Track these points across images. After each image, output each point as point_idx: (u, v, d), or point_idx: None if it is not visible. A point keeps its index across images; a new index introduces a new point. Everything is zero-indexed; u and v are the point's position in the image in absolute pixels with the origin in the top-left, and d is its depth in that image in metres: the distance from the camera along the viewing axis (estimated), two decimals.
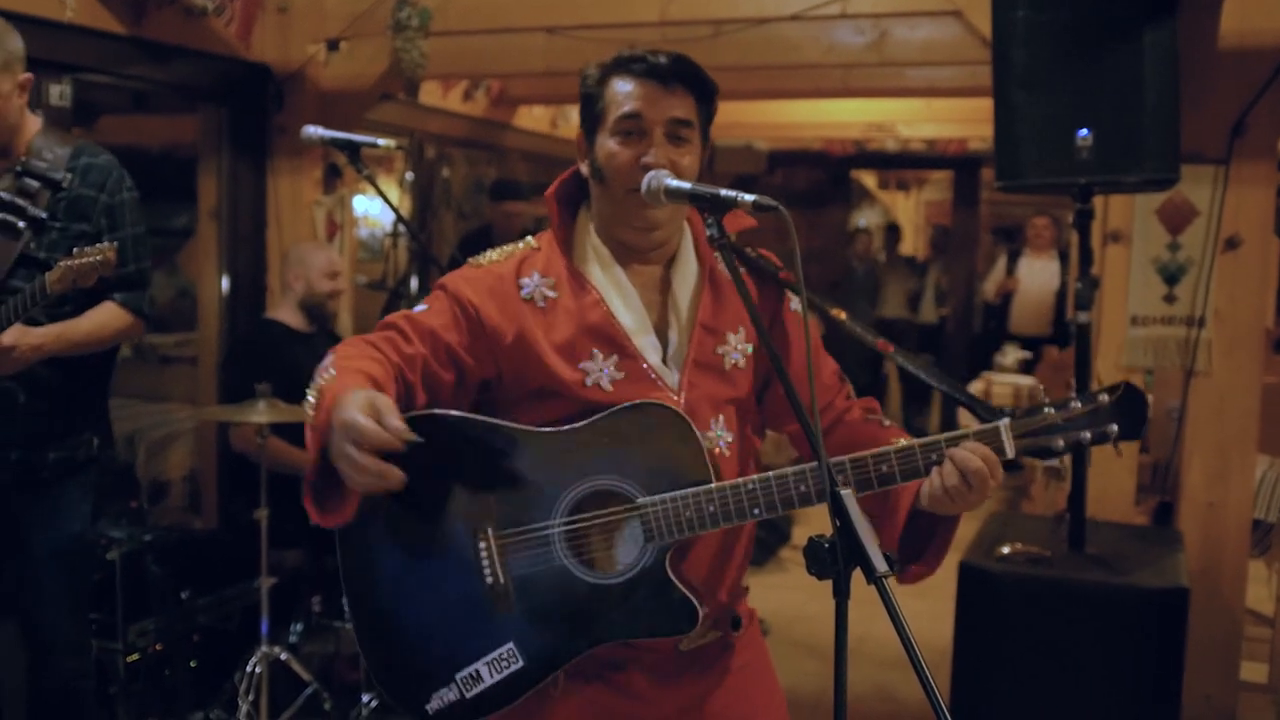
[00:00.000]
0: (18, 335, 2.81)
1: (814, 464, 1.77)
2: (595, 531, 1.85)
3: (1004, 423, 1.77)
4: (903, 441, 1.81)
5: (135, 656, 3.73)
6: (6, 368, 2.85)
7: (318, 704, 3.95)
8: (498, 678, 1.86)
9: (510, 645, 1.86)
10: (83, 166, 3.00)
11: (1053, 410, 1.78)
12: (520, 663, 1.86)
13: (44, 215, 2.93)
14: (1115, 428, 1.76)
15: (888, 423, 1.99)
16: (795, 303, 2.03)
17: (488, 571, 1.84)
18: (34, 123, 3.02)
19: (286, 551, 4.25)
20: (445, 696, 1.87)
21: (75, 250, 2.79)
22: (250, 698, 3.77)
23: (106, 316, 3.01)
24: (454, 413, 1.88)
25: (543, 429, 1.86)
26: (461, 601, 1.86)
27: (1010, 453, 1.77)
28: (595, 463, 1.84)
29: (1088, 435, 1.77)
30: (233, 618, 4.19)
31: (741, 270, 2.00)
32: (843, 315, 2.08)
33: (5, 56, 2.86)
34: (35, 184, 2.93)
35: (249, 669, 3.80)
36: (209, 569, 4.23)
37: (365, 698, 3.89)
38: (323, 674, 4.16)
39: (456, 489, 1.86)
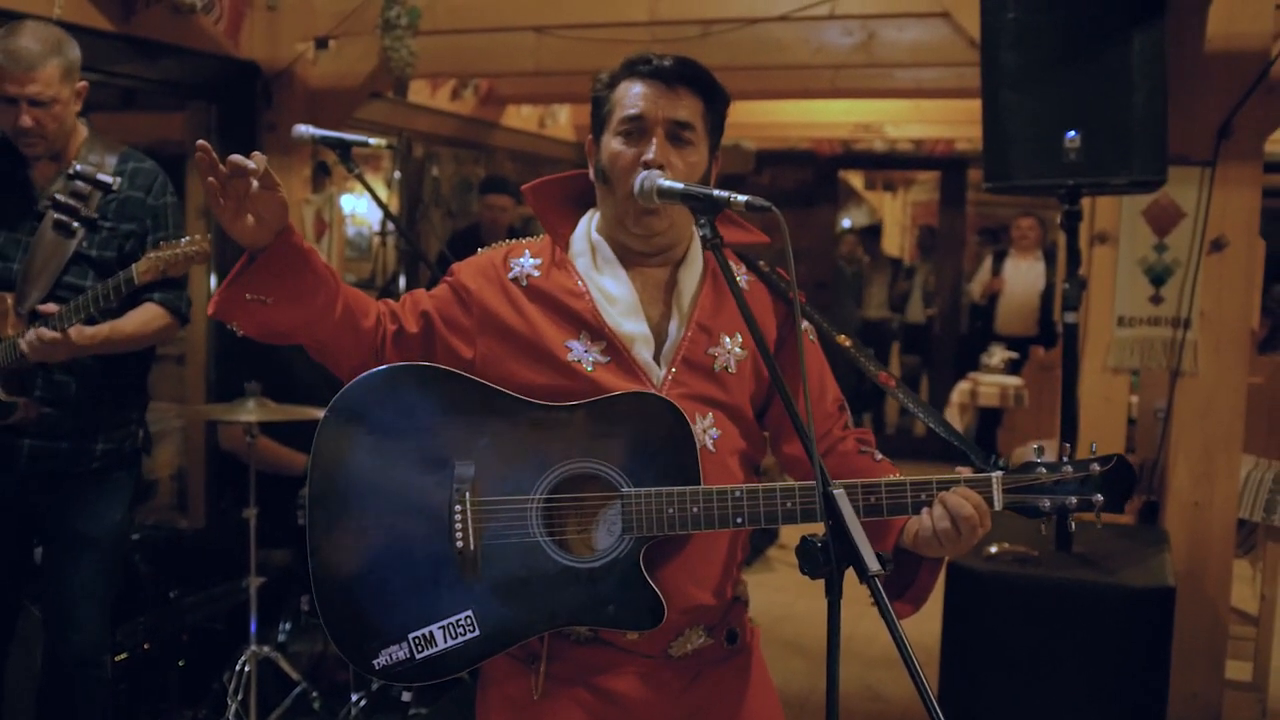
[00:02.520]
0: (77, 333, 2.94)
1: (803, 482, 1.78)
2: (574, 513, 1.85)
3: (997, 476, 1.80)
4: (894, 477, 1.83)
5: (123, 656, 3.72)
6: (55, 356, 2.96)
7: (306, 703, 3.95)
8: (451, 644, 1.84)
9: (469, 613, 1.84)
10: (130, 170, 3.14)
11: (1045, 471, 1.81)
12: (476, 632, 1.84)
13: (96, 216, 3.06)
14: (1101, 498, 1.80)
15: (880, 457, 2.00)
16: (806, 323, 2.04)
17: (459, 536, 1.82)
18: (83, 129, 3.15)
19: (274, 551, 4.25)
20: (394, 654, 1.84)
21: (163, 243, 2.95)
22: (239, 697, 3.76)
23: (148, 316, 3.13)
24: (453, 370, 1.90)
25: (538, 402, 1.86)
26: (428, 561, 1.84)
27: (998, 505, 1.80)
28: (584, 445, 1.83)
29: (1074, 501, 1.80)
30: (221, 617, 4.18)
31: (750, 277, 2.01)
32: (848, 343, 2.08)
33: (68, 65, 3.01)
34: (86, 187, 3.06)
35: (238, 668, 3.79)
36: (197, 568, 4.22)
37: (354, 696, 3.88)
38: (311, 673, 4.15)
39: (444, 446, 1.85)
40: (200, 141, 1.72)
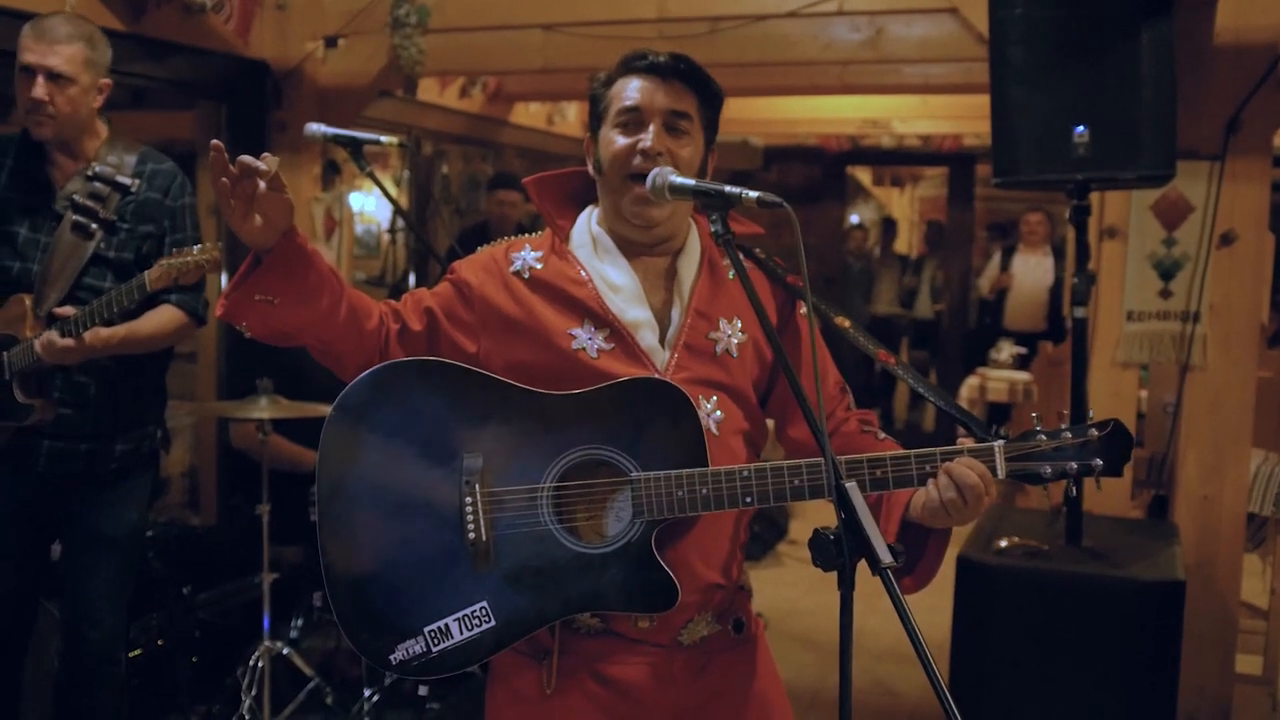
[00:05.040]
0: (93, 335, 2.94)
1: (809, 460, 1.80)
2: (584, 500, 1.86)
3: (999, 444, 1.83)
4: (898, 451, 1.85)
5: (137, 652, 3.74)
6: (69, 360, 2.97)
7: (319, 699, 3.97)
8: (467, 635, 1.85)
9: (484, 604, 1.85)
10: (149, 172, 3.15)
11: (1045, 438, 1.83)
12: (491, 622, 1.85)
13: (114, 218, 3.07)
14: (1100, 463, 1.82)
15: (883, 435, 2.02)
16: (805, 309, 2.05)
17: (471, 527, 1.84)
18: (103, 130, 3.17)
19: (286, 547, 4.27)
20: (411, 648, 1.86)
21: (175, 250, 2.95)
22: (252, 692, 3.78)
23: (166, 317, 3.14)
24: (458, 363, 1.91)
25: (543, 391, 1.88)
26: (440, 554, 1.86)
27: (1001, 474, 1.82)
28: (592, 431, 1.85)
29: (1074, 466, 1.83)
30: (233, 613, 4.20)
31: (749, 264, 2.03)
32: (847, 324, 2.10)
33: (93, 55, 3.04)
34: (105, 188, 3.07)
35: (251, 664, 3.81)
36: (210, 565, 4.24)
37: (367, 692, 3.90)
38: (324, 669, 4.17)
39: (451, 439, 1.87)
40: (214, 141, 1.74)
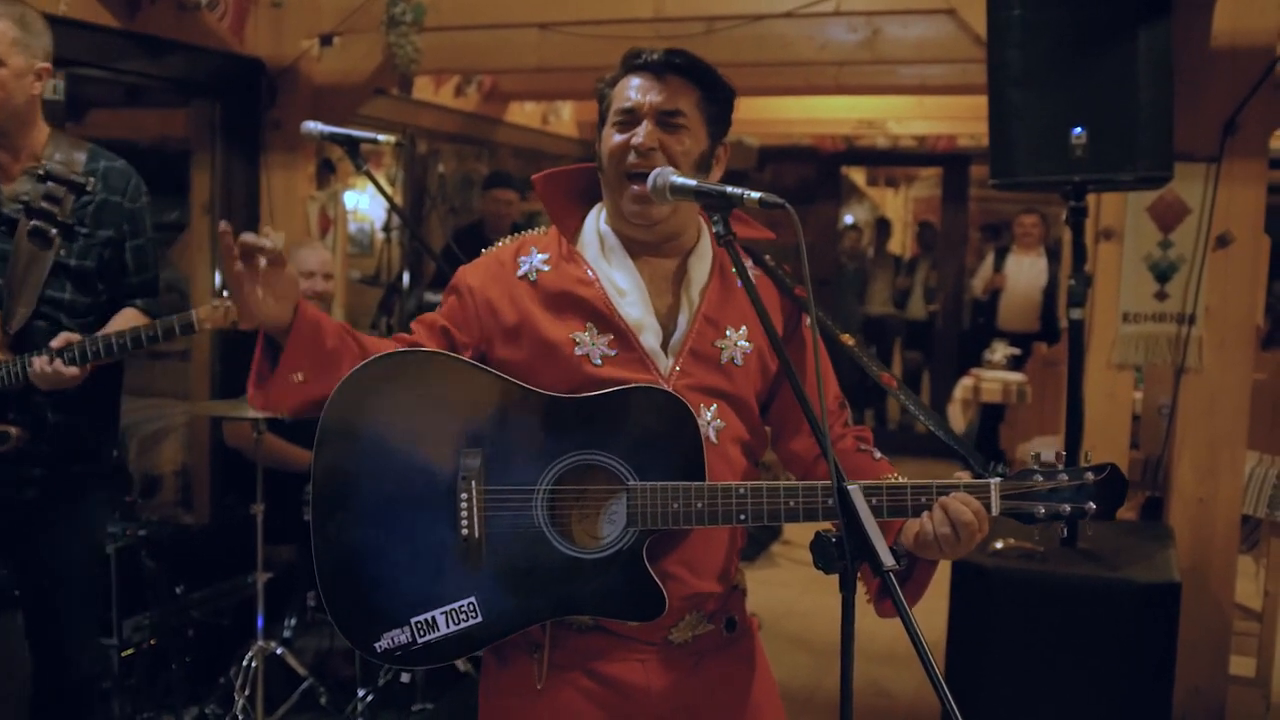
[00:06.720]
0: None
1: (806, 482, 1.82)
2: (579, 504, 1.87)
3: (995, 482, 1.83)
4: (892, 479, 1.86)
5: (130, 651, 3.73)
6: (62, 385, 2.80)
7: (313, 698, 3.96)
8: (452, 629, 1.86)
9: (471, 599, 1.86)
10: (103, 170, 2.95)
11: (1041, 479, 1.84)
12: (478, 618, 1.86)
13: (72, 222, 2.87)
14: (1094, 506, 1.83)
15: (879, 455, 2.03)
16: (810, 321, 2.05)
17: (464, 523, 1.84)
18: (44, 126, 2.95)
19: (280, 547, 4.25)
20: (396, 638, 1.87)
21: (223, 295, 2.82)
22: (246, 692, 3.77)
23: (132, 323, 2.94)
24: (461, 358, 1.91)
25: (545, 392, 1.88)
26: (432, 547, 1.86)
27: (995, 511, 1.83)
28: (591, 436, 1.85)
29: (1067, 509, 1.83)
30: (227, 613, 4.19)
31: (757, 272, 2.03)
32: (851, 342, 2.10)
33: (26, 35, 2.79)
34: (60, 188, 2.86)
35: (244, 663, 3.80)
36: (203, 564, 4.23)
37: (361, 692, 3.89)
38: (318, 668, 4.16)
39: (450, 434, 1.87)
40: (223, 223, 1.77)
